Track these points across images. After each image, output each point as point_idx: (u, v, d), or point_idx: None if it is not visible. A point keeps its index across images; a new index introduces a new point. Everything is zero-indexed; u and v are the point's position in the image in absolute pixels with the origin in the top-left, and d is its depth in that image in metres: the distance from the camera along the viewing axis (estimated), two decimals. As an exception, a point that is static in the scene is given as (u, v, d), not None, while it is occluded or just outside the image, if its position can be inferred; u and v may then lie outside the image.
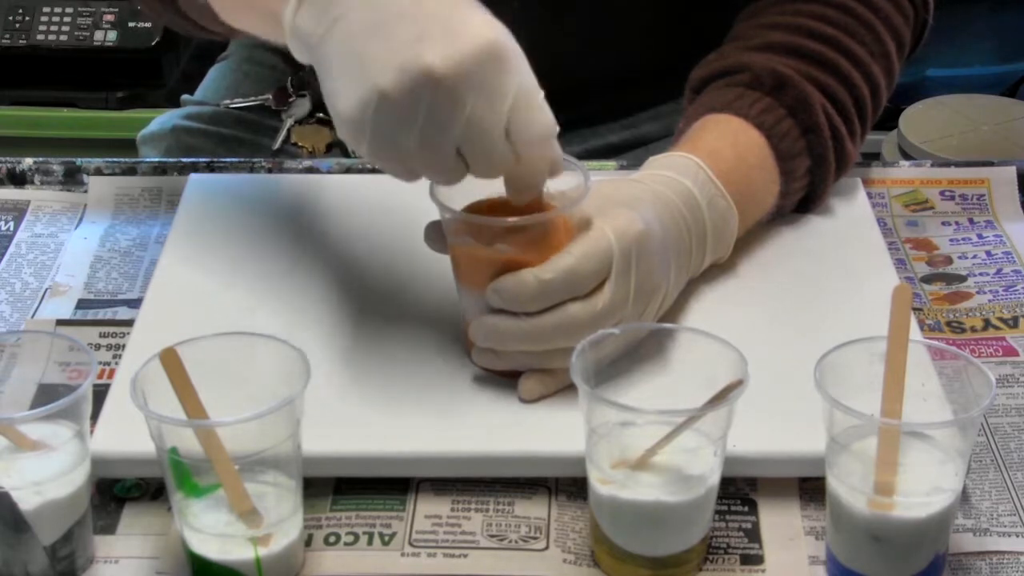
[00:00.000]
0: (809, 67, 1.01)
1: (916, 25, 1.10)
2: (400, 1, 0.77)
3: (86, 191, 1.13)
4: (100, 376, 0.89)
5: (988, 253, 1.06)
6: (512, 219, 0.83)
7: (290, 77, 1.31)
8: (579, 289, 0.82)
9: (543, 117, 0.79)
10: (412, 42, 0.75)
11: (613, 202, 0.86)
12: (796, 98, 0.99)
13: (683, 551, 0.76)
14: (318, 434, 0.77)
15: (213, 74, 1.39)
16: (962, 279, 1.04)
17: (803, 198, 1.03)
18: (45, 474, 0.74)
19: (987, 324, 0.98)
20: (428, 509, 0.81)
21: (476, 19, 0.77)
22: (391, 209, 1.03)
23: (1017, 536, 0.80)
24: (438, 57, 0.74)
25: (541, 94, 0.79)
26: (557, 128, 0.80)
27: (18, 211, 1.12)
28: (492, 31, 0.76)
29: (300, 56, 0.83)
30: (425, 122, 0.76)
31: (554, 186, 0.86)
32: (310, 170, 1.13)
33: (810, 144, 1.00)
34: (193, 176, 1.10)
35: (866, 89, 1.03)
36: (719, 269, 0.97)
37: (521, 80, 0.77)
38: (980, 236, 1.09)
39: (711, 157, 0.94)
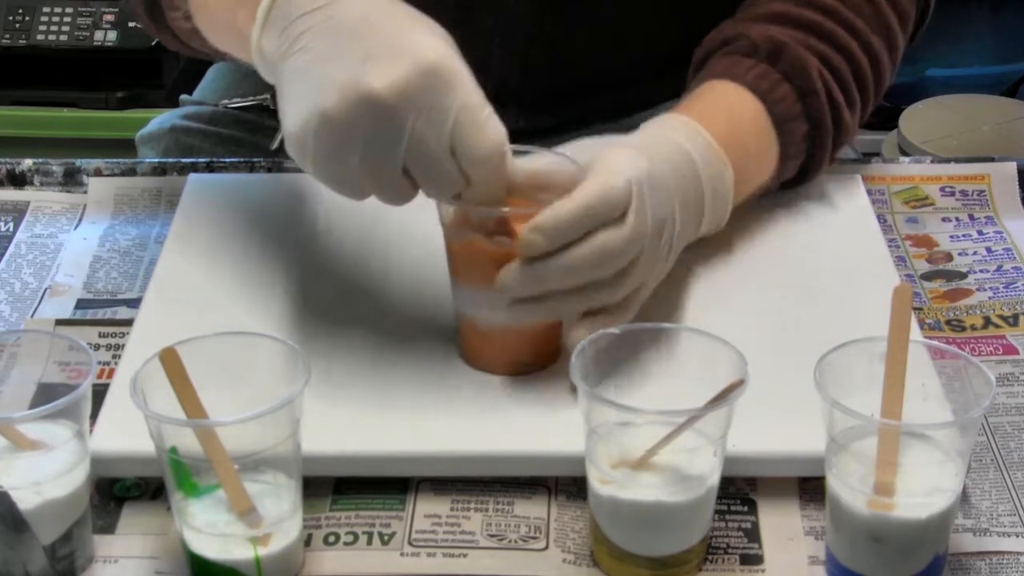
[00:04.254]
0: (807, 36, 1.02)
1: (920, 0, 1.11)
2: (353, 22, 0.79)
3: (86, 191, 1.13)
4: (100, 376, 0.89)
5: (988, 250, 1.06)
6: (510, 208, 0.83)
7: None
8: (611, 213, 0.81)
9: (487, 134, 0.78)
10: (356, 64, 0.76)
11: (608, 144, 0.86)
12: (792, 63, 1.00)
13: (683, 551, 0.76)
14: (318, 434, 0.77)
15: (212, 74, 1.39)
16: (962, 276, 1.04)
17: (802, 167, 1.03)
18: (44, 474, 0.74)
19: (987, 322, 0.98)
20: (428, 509, 0.81)
21: (422, 40, 0.78)
22: (390, 209, 1.03)
23: (1017, 536, 0.80)
24: (377, 79, 0.76)
25: (487, 110, 0.79)
26: (505, 144, 0.79)
27: (18, 212, 1.12)
28: (434, 52, 0.77)
29: (267, 76, 0.85)
30: (366, 144, 0.77)
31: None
32: (310, 170, 1.13)
33: (807, 108, 1.00)
34: (192, 176, 1.10)
35: (865, 60, 1.04)
36: (719, 268, 0.97)
37: (464, 98, 0.77)
38: (980, 232, 1.08)
39: (703, 118, 0.95)
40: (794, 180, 1.05)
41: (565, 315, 0.85)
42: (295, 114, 0.79)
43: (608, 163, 0.84)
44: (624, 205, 0.82)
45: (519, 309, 0.84)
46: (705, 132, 0.94)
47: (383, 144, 0.77)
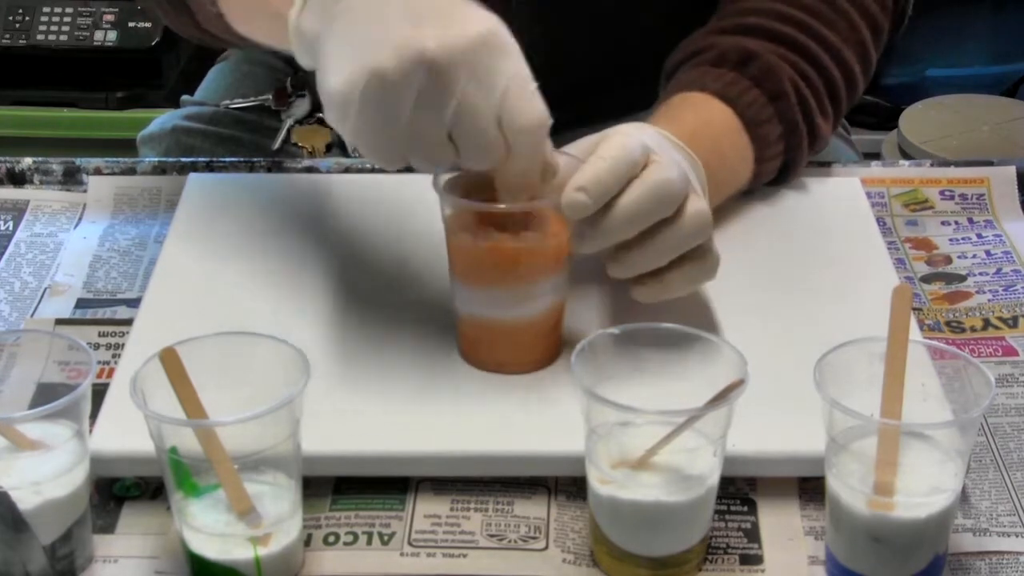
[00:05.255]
0: (778, 47, 1.03)
1: (895, 14, 1.11)
2: None
3: (85, 191, 1.13)
4: (99, 375, 0.89)
5: (988, 252, 1.06)
6: (510, 205, 0.83)
7: (289, 77, 1.31)
8: (635, 168, 0.82)
9: (535, 106, 0.79)
10: (410, 26, 0.76)
11: (600, 135, 0.86)
12: (761, 69, 1.01)
13: (683, 551, 0.76)
14: (318, 434, 0.77)
15: (213, 74, 1.40)
16: (962, 279, 1.04)
17: (780, 168, 1.04)
18: (44, 474, 0.74)
19: (987, 324, 0.98)
20: (427, 509, 0.81)
21: (475, 11, 0.78)
22: (390, 209, 1.03)
23: (1016, 536, 0.80)
24: (434, 40, 0.75)
25: (534, 84, 0.79)
26: (550, 120, 0.80)
27: (17, 211, 1.12)
28: (489, 21, 0.78)
29: (303, 59, 0.84)
30: (416, 103, 0.76)
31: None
32: (309, 170, 1.13)
33: (779, 111, 1.01)
34: (192, 175, 1.10)
35: (837, 72, 1.05)
36: (719, 269, 0.97)
37: (515, 68, 0.78)
38: (980, 236, 1.09)
39: (670, 124, 0.95)
40: (773, 180, 1.06)
41: (654, 263, 0.85)
42: (341, 72, 0.77)
43: (616, 133, 0.85)
44: (643, 161, 0.83)
45: (616, 262, 0.85)
46: (670, 135, 0.94)
47: (433, 105, 0.77)
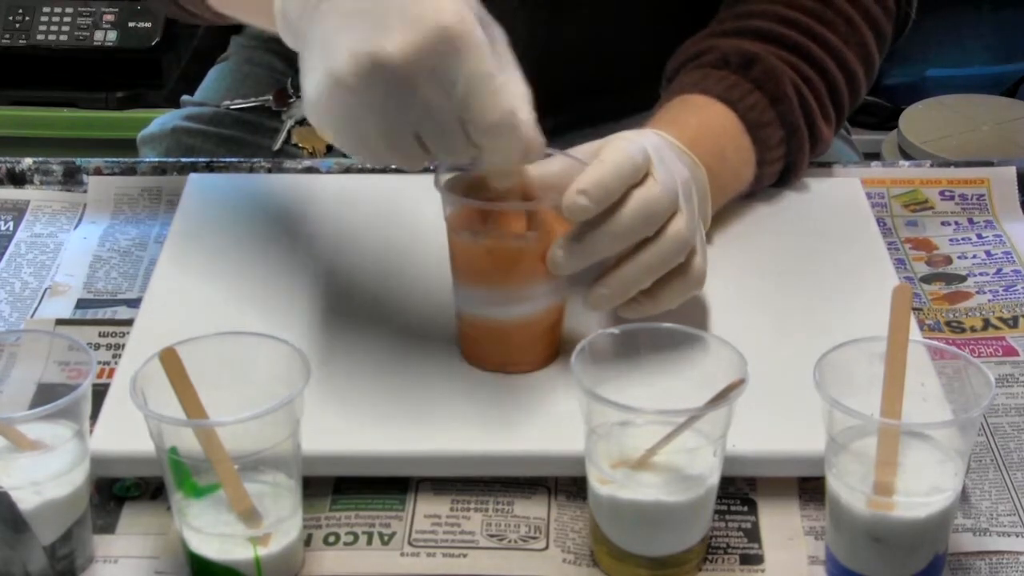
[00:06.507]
0: (779, 50, 1.03)
1: (898, 18, 1.11)
2: None
3: (86, 191, 1.13)
4: (99, 375, 0.89)
5: (988, 253, 1.06)
6: (511, 204, 0.83)
7: (290, 78, 1.31)
8: (637, 174, 0.82)
9: (497, 102, 0.76)
10: (372, 29, 0.75)
11: (603, 141, 0.86)
12: (763, 71, 1.01)
13: (682, 551, 0.76)
14: (318, 434, 0.77)
15: (213, 75, 1.40)
16: (962, 279, 1.04)
17: (782, 170, 1.04)
18: (44, 474, 0.74)
19: (987, 324, 0.98)
20: (427, 509, 0.81)
21: (440, 4, 0.75)
22: (390, 209, 1.03)
23: (1017, 536, 0.80)
24: (389, 43, 0.74)
25: (499, 79, 0.77)
26: (515, 112, 0.77)
27: (18, 211, 1.12)
28: (450, 16, 0.75)
29: (289, 42, 0.83)
30: (380, 109, 0.76)
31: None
32: (309, 170, 1.13)
33: (780, 114, 1.01)
34: (193, 176, 1.10)
35: (839, 74, 1.05)
36: (719, 270, 0.97)
37: (472, 66, 0.76)
38: (980, 236, 1.09)
39: (671, 127, 0.95)
40: (774, 183, 1.05)
41: (637, 283, 0.84)
42: (311, 81, 0.77)
43: (618, 138, 0.85)
44: (646, 167, 0.83)
45: (599, 299, 0.84)
46: (672, 138, 0.94)
47: (395, 109, 0.76)
